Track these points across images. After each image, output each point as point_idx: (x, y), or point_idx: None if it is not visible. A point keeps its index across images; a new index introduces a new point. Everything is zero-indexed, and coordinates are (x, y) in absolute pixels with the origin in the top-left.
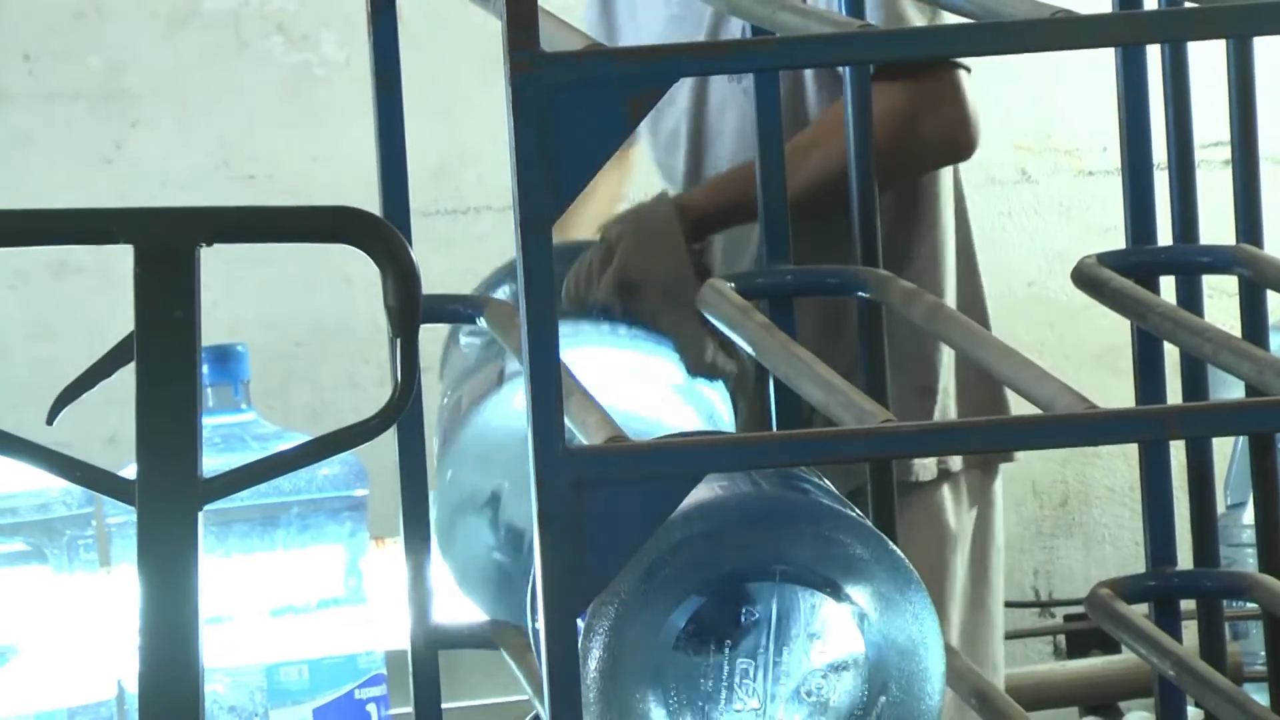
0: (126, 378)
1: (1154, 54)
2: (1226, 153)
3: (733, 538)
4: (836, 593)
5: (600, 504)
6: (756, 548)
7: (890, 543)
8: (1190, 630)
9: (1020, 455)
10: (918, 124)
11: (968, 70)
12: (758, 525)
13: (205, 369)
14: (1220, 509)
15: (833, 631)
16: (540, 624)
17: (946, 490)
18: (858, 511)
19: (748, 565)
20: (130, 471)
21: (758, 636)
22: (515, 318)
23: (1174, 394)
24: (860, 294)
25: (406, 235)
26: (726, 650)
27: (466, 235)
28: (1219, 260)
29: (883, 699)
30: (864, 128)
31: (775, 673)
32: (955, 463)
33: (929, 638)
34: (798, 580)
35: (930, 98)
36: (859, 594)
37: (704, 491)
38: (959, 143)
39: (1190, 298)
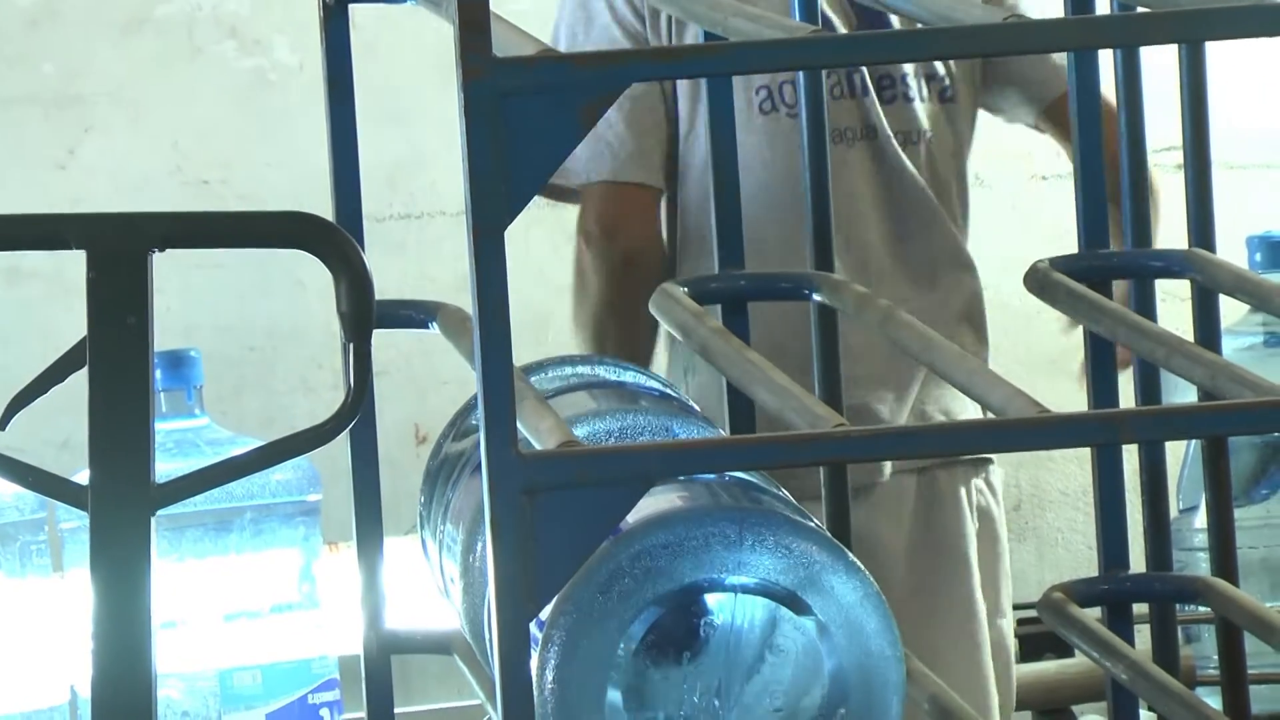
0: (79, 383)
1: (1106, 58)
2: (1179, 157)
3: (691, 548)
4: (795, 603)
5: (552, 510)
6: (715, 558)
7: (848, 552)
8: (1144, 634)
9: None
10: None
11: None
12: (716, 536)
13: (158, 374)
14: (1173, 513)
15: (792, 642)
16: (494, 630)
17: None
18: (816, 521)
19: (706, 576)
20: (83, 477)
21: (716, 647)
22: (468, 323)
23: (1127, 398)
24: (814, 297)
25: (359, 240)
26: (685, 661)
27: (420, 240)
28: (1171, 265)
29: (841, 710)
30: (819, 127)
31: (734, 684)
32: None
33: (888, 648)
34: (757, 591)
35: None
36: (818, 604)
37: (663, 502)
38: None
39: (1142, 302)
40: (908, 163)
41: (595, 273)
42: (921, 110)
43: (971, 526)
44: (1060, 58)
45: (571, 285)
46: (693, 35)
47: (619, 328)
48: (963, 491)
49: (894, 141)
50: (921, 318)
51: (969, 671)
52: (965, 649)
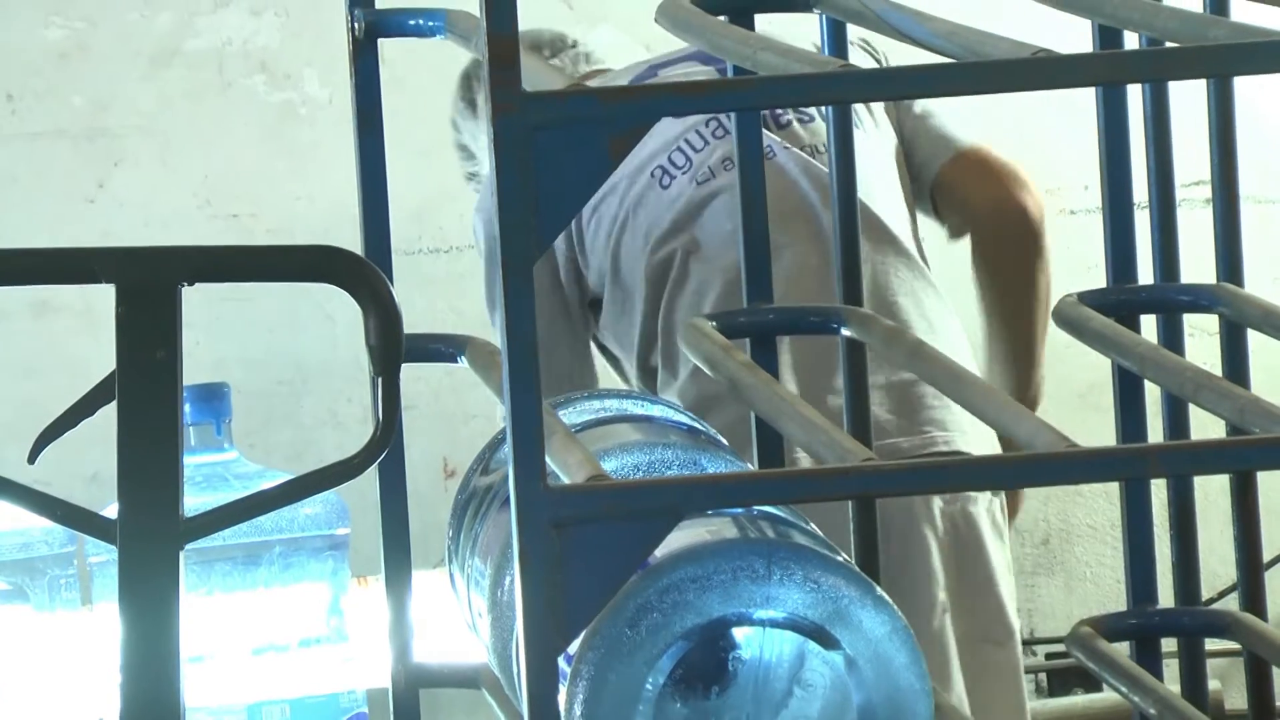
0: (108, 417)
1: (1135, 93)
2: (1207, 192)
3: (720, 582)
4: (824, 638)
5: (581, 543)
6: (744, 592)
7: (877, 586)
8: (1172, 668)
9: None
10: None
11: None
12: (745, 570)
13: (187, 408)
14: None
15: (820, 677)
16: (522, 664)
17: None
18: (844, 555)
19: (735, 610)
20: (112, 510)
21: (744, 682)
22: (497, 357)
23: (1156, 433)
24: (843, 332)
25: (388, 274)
26: (713, 696)
27: (448, 274)
28: (1199, 299)
29: None
30: (847, 164)
31: (762, 719)
32: None
33: (916, 682)
34: (785, 625)
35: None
36: (846, 639)
37: (691, 535)
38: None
39: (1171, 336)
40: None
41: None
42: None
43: (930, 536)
44: (943, 131)
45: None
46: (611, 219)
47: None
48: (919, 502)
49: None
50: None
51: None
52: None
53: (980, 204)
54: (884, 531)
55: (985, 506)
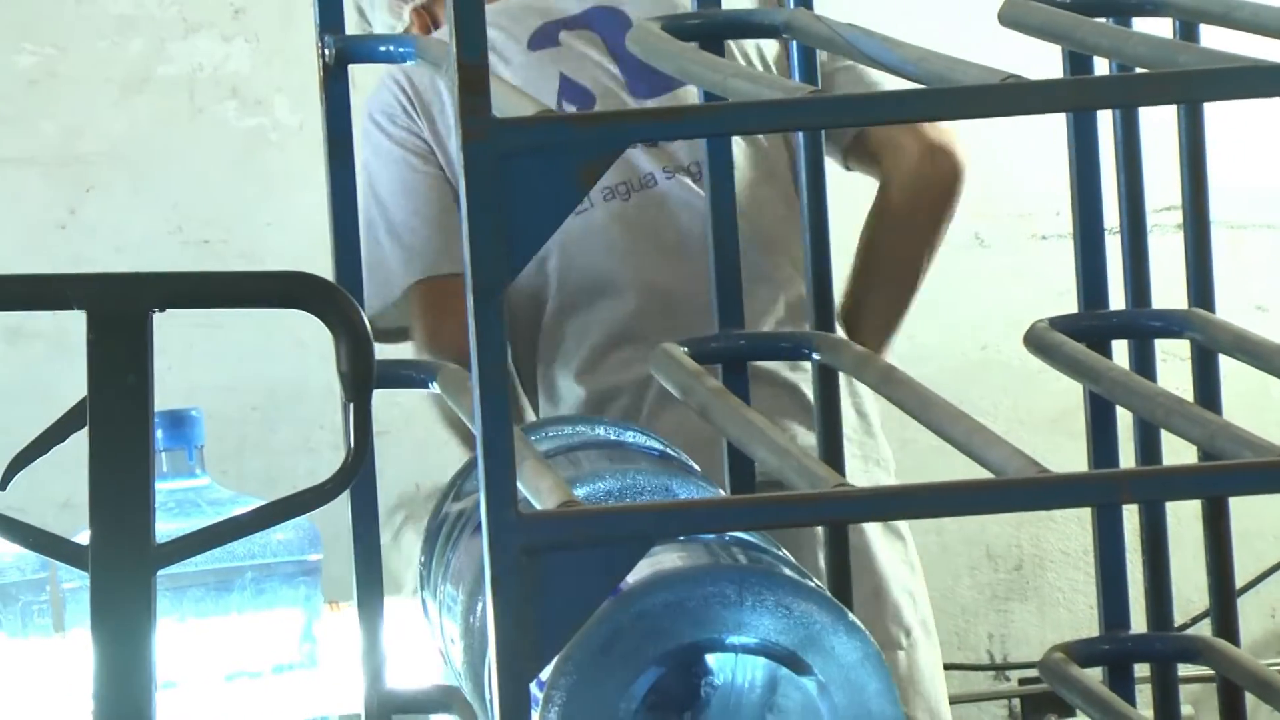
0: (80, 443)
1: (1105, 118)
2: (1178, 216)
3: (692, 608)
4: (796, 663)
5: (553, 569)
6: (716, 618)
7: (849, 613)
8: (1145, 694)
9: (974, 520)
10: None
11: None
12: (717, 595)
13: (159, 434)
14: None
15: (792, 703)
16: (494, 690)
17: None
18: (817, 581)
19: (707, 636)
20: (84, 537)
21: (717, 707)
22: (468, 383)
23: (1128, 458)
24: (814, 357)
25: (359, 300)
26: None
27: None
28: (1171, 325)
29: None
30: (818, 188)
31: None
32: None
33: (888, 708)
34: (757, 651)
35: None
36: (818, 664)
37: (663, 561)
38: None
39: (1143, 362)
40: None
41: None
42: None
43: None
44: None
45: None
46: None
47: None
48: None
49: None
50: None
51: None
52: None
53: (914, 144)
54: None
55: None
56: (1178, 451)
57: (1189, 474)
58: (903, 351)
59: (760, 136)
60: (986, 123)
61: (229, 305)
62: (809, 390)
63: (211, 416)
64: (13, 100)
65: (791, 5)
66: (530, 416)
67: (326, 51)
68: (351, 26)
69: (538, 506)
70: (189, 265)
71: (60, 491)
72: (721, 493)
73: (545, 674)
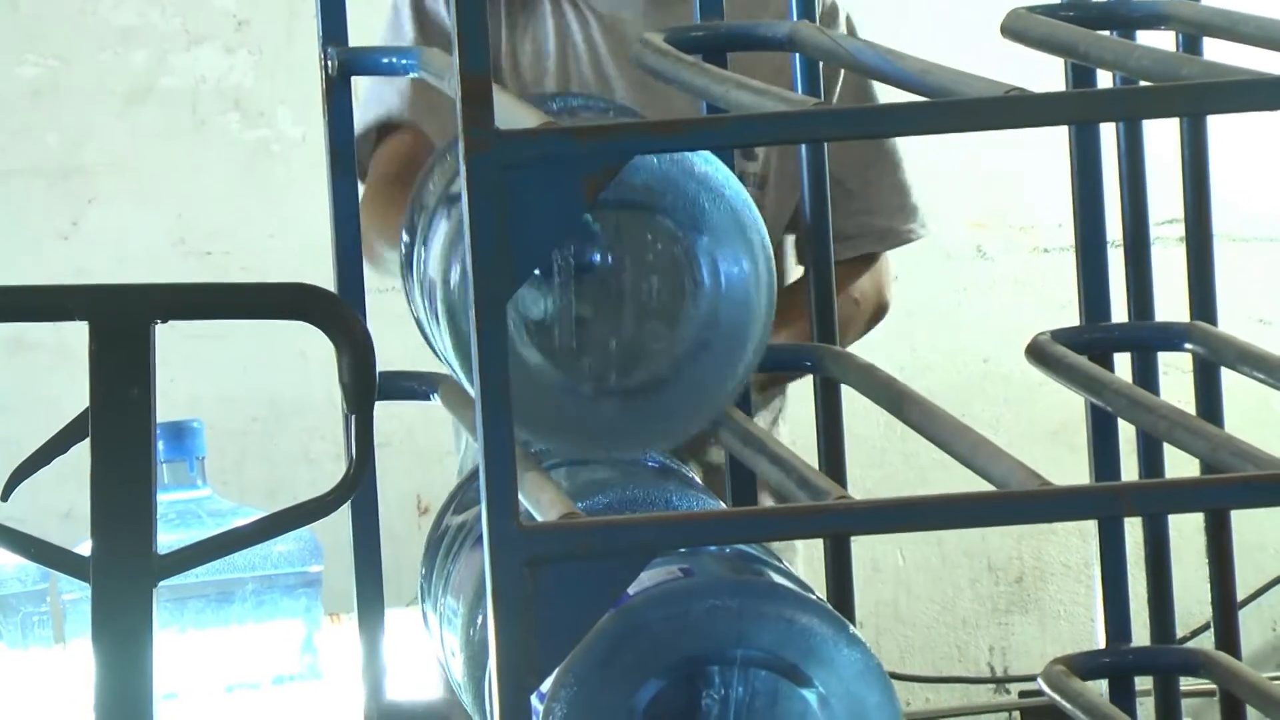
0: (82, 454)
1: (1108, 131)
2: (1180, 229)
3: (694, 621)
4: (797, 676)
5: (554, 581)
6: (718, 631)
7: (850, 625)
8: (1146, 707)
9: (975, 532)
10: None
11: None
12: (719, 608)
13: (160, 445)
14: None
15: (794, 715)
16: (495, 702)
17: None
18: (818, 594)
19: (709, 649)
20: (85, 548)
21: None
22: (468, 396)
23: (1130, 471)
24: (816, 371)
25: (361, 312)
26: None
27: None
28: (1173, 338)
29: None
30: (820, 201)
31: None
32: None
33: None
34: (758, 663)
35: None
36: (819, 677)
37: (664, 574)
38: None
39: (1145, 375)
40: None
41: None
42: None
43: None
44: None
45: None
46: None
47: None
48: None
49: None
50: None
51: None
52: None
53: (874, 296)
54: None
55: None
56: (1180, 464)
57: (1191, 487)
58: (905, 363)
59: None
60: (989, 135)
61: (231, 316)
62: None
63: (212, 428)
64: (16, 111)
65: (794, 18)
66: None
67: (329, 63)
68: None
69: (539, 519)
70: (191, 277)
71: (62, 503)
72: (722, 505)
73: (545, 686)
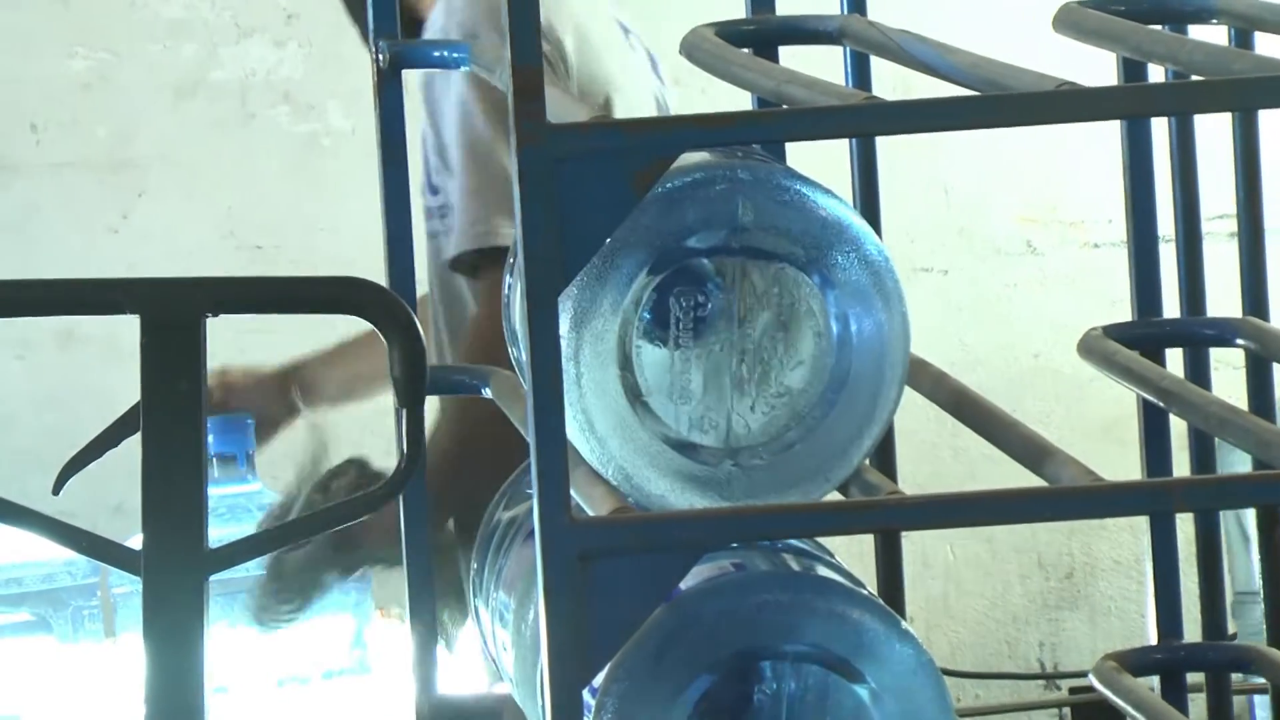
0: (133, 447)
1: (1159, 125)
2: (1232, 225)
3: (745, 616)
4: (849, 671)
5: (606, 576)
6: (769, 626)
7: (902, 620)
8: (1198, 703)
9: (1025, 527)
10: None
11: None
12: (770, 603)
13: (211, 439)
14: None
15: (845, 710)
16: (546, 697)
17: None
18: (869, 589)
19: (760, 643)
20: (136, 541)
21: (769, 715)
22: (520, 389)
23: (1181, 466)
24: None
25: (412, 305)
26: None
27: None
28: (1224, 333)
29: None
30: (872, 194)
31: None
32: None
33: (940, 716)
34: (810, 658)
35: None
36: (871, 672)
37: (716, 568)
38: None
39: (1197, 370)
40: None
41: None
42: None
43: None
44: None
45: None
46: None
47: None
48: None
49: None
50: None
51: None
52: None
53: None
54: None
55: None
56: (1232, 461)
57: (1242, 483)
58: (955, 359)
59: None
60: (1040, 130)
61: (282, 310)
62: None
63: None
64: (66, 105)
65: (845, 11)
66: None
67: (380, 56)
68: None
69: (590, 513)
70: (241, 270)
71: (112, 496)
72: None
73: (597, 681)
